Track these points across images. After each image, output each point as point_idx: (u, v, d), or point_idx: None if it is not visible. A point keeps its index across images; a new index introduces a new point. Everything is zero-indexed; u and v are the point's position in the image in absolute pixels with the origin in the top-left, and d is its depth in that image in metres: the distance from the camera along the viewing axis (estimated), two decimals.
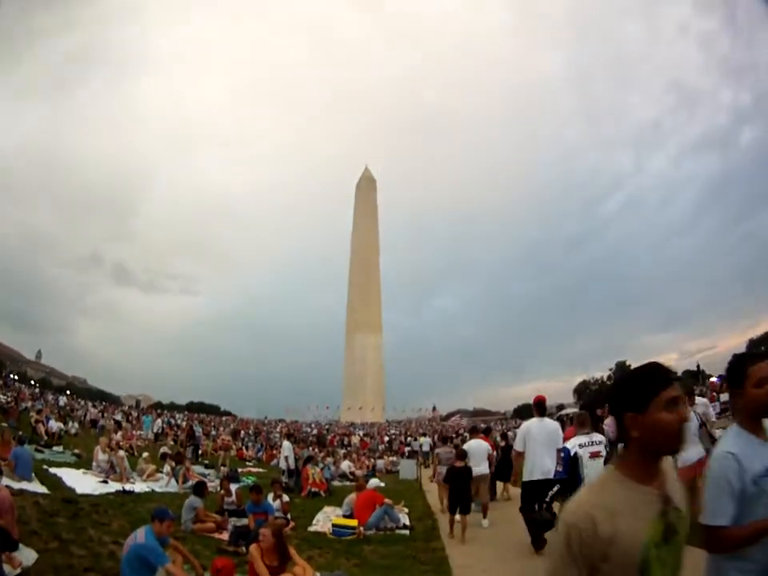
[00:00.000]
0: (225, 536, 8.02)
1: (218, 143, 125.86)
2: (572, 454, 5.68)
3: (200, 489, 8.99)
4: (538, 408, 7.58)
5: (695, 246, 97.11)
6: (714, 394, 23.65)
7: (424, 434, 28.42)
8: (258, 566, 5.20)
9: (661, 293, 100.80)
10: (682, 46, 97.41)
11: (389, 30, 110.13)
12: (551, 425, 7.43)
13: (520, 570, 6.22)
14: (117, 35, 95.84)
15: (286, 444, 15.67)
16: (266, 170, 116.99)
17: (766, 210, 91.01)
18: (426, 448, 22.69)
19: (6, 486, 6.92)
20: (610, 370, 74.47)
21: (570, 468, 5.59)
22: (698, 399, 8.52)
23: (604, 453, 5.78)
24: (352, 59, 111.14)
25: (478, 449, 9.64)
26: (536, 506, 6.65)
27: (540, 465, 6.76)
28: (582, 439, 5.79)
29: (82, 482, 10.91)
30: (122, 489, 10.89)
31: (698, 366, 56.66)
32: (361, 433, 35.60)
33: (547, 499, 6.14)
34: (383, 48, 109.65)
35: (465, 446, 10.09)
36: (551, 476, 6.41)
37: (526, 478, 7.00)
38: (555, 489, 5.89)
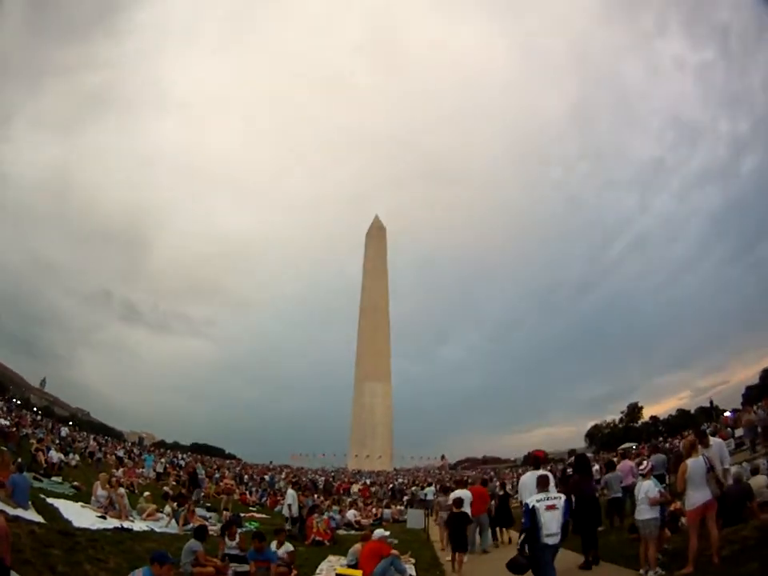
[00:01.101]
0: None
1: (231, 186, 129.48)
2: (530, 507, 6.80)
3: (201, 533, 8.84)
4: (533, 463, 9.37)
5: (702, 281, 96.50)
6: (729, 429, 22.85)
7: (430, 484, 27.81)
8: None
9: (670, 331, 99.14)
10: (680, 81, 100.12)
11: (398, 81, 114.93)
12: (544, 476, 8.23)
13: None
14: (135, 75, 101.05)
15: (290, 492, 15.41)
16: (277, 216, 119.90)
17: None
18: (430, 497, 22.02)
19: (1, 512, 6.63)
20: (622, 412, 73.16)
21: (530, 518, 6.73)
22: (713, 440, 8.54)
23: (560, 506, 6.82)
24: (363, 108, 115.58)
25: (462, 498, 11.07)
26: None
27: None
28: (540, 496, 7.05)
29: (80, 515, 10.67)
30: (120, 526, 10.60)
31: (711, 403, 55.37)
32: (368, 481, 34.57)
33: (518, 546, 7.00)
34: (393, 97, 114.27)
35: (451, 496, 11.71)
36: None
37: None
38: (523, 536, 6.96)
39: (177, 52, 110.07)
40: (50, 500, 11.33)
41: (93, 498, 12.46)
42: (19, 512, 8.60)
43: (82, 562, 6.75)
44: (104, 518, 11.10)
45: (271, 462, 50.33)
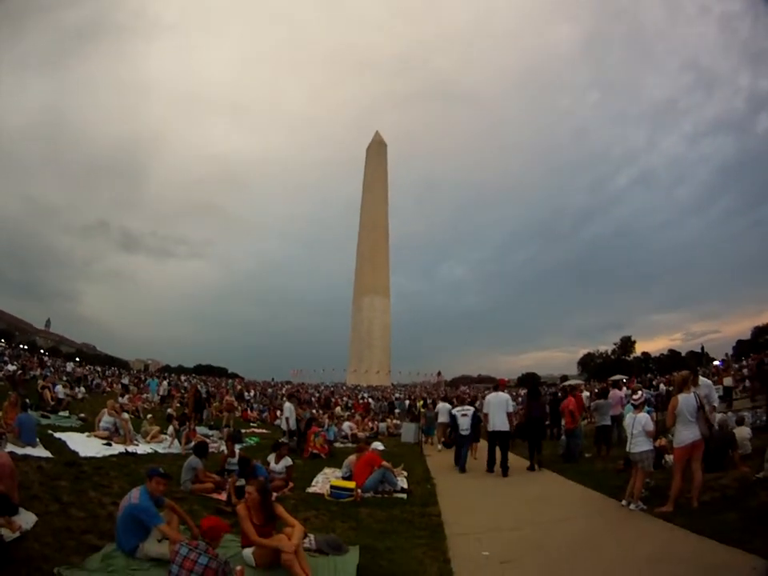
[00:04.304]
0: (223, 496, 8.00)
1: (229, 108, 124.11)
2: (453, 414, 12.71)
3: (201, 449, 9.01)
4: (495, 387, 12.51)
5: (707, 227, 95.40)
6: (717, 378, 23.19)
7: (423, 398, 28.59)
8: (245, 525, 5.15)
9: (670, 272, 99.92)
10: (703, 27, 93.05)
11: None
12: (503, 396, 11.63)
13: (511, 539, 6.40)
14: (120, 3, 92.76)
15: (287, 405, 15.64)
16: (276, 135, 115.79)
17: None
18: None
19: (10, 452, 7.02)
20: (615, 344, 75.08)
21: (453, 421, 12.50)
22: (702, 380, 8.46)
23: (469, 414, 12.15)
24: (366, 25, 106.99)
25: (443, 408, 16.30)
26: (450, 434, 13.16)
27: (493, 421, 11.23)
28: (458, 408, 12.80)
29: (86, 445, 10.99)
30: (125, 451, 11.04)
31: (703, 349, 56.89)
32: (366, 395, 35.96)
33: (448, 435, 13.80)
34: (398, 16, 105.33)
35: (437, 407, 17.40)
36: (503, 428, 11.08)
37: (488, 429, 11.36)
38: (449, 429, 13.45)
39: None
40: (57, 434, 11.66)
41: (97, 422, 12.85)
42: (28, 450, 9.01)
43: (87, 490, 6.98)
44: (109, 444, 11.51)
45: (273, 379, 52.02)
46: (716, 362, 34.21)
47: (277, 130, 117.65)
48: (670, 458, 9.24)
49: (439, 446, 15.60)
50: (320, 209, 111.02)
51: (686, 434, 7.02)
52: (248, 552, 5.12)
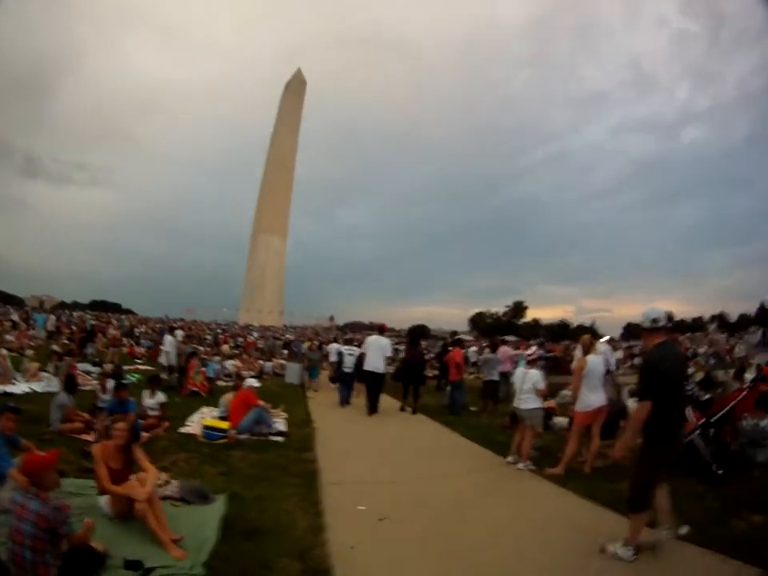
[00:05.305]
0: (93, 436, 7.37)
1: (147, 31, 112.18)
2: (339, 352, 14.04)
3: (70, 385, 8.50)
4: (379, 331, 13.48)
5: (613, 213, 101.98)
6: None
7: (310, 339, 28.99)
8: (97, 469, 4.58)
9: (569, 246, 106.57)
10: (655, 36, 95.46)
11: None
12: (384, 340, 12.48)
13: (390, 493, 6.04)
14: None
15: (168, 338, 14.91)
16: (195, 63, 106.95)
17: (687, 205, 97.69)
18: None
19: None
20: (507, 307, 79.29)
21: (339, 358, 13.62)
22: (600, 345, 8.22)
23: (355, 354, 12.91)
24: None
25: (333, 348, 17.76)
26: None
27: (369, 362, 11.86)
28: (346, 347, 13.86)
29: None
30: (3, 392, 10.42)
31: (593, 324, 62.07)
32: (256, 334, 37.39)
33: (334, 372, 15.91)
34: None
35: (327, 348, 20.15)
36: (376, 370, 11.70)
37: (363, 368, 12.07)
38: (336, 366, 15.21)
39: None
40: None
41: None
42: None
43: None
44: None
45: (166, 316, 51.33)
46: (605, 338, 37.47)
47: (195, 56, 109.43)
48: (558, 420, 9.29)
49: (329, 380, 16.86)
50: (232, 142, 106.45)
51: (593, 398, 6.69)
52: (104, 500, 4.61)
